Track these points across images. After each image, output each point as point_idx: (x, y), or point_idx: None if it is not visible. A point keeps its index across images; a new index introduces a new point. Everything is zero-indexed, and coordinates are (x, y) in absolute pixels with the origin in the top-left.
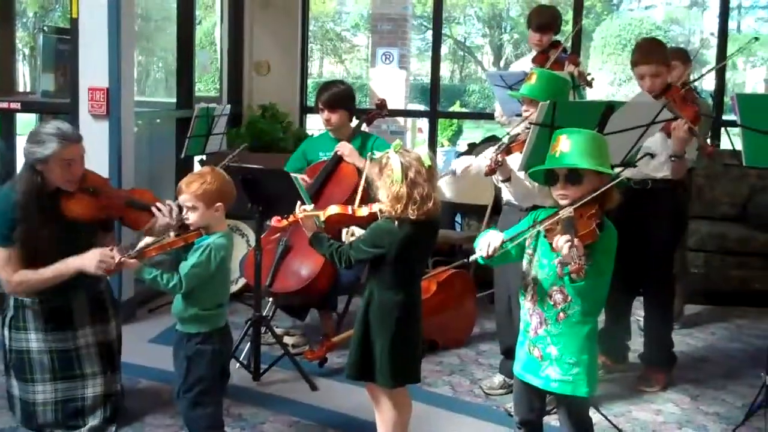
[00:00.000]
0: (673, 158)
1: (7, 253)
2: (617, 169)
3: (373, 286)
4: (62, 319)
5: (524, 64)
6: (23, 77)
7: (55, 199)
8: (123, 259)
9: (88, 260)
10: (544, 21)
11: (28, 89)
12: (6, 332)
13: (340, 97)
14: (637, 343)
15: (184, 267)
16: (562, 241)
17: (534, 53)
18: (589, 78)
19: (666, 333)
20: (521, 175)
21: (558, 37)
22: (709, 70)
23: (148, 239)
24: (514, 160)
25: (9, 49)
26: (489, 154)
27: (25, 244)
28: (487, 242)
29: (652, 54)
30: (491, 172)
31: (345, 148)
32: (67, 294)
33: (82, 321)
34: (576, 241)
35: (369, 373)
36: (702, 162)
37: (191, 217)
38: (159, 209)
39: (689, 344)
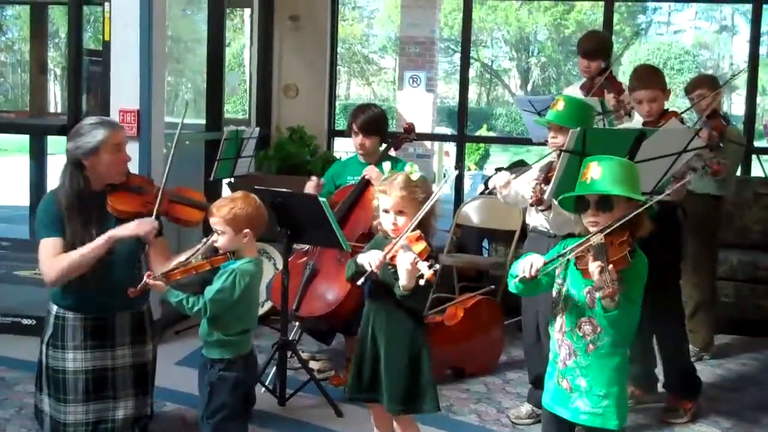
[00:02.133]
0: (672, 177)
1: (54, 243)
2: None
3: (415, 312)
4: (103, 336)
5: (572, 91)
6: (54, 97)
7: (100, 198)
8: (149, 281)
9: (125, 227)
10: (590, 47)
11: (59, 109)
12: (44, 349)
13: (375, 122)
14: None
15: (209, 292)
16: (593, 267)
17: (584, 79)
18: (628, 107)
19: (681, 356)
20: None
21: None
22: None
23: (180, 257)
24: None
25: (41, 69)
26: (527, 180)
27: (72, 245)
28: (529, 263)
29: (650, 79)
30: (538, 202)
31: (372, 172)
32: (111, 311)
33: (122, 340)
34: (609, 266)
35: (414, 402)
36: (731, 189)
37: (219, 241)
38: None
39: (719, 375)
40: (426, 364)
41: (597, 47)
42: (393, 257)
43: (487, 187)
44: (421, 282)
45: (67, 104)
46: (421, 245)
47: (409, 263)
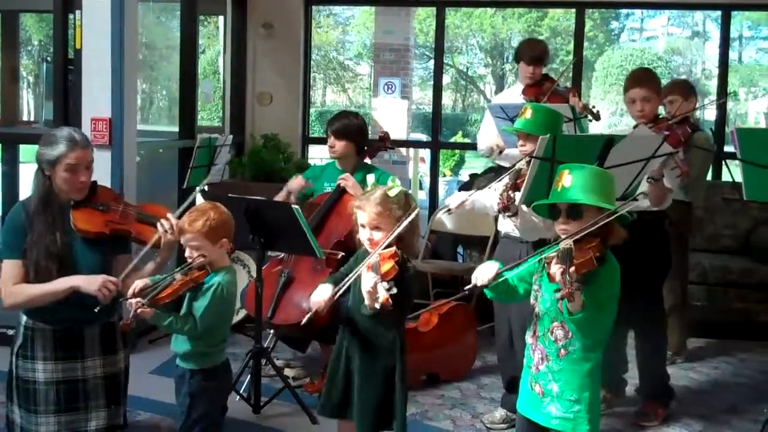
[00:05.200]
0: (648, 179)
1: (15, 266)
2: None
3: (394, 328)
4: (73, 347)
5: (513, 95)
6: (27, 105)
7: (65, 212)
8: (139, 309)
9: (89, 281)
10: (537, 54)
11: (32, 117)
12: (14, 359)
13: (349, 129)
14: (636, 377)
15: (198, 309)
16: (555, 268)
17: (519, 85)
18: (594, 110)
19: (659, 365)
20: (527, 209)
21: (556, 68)
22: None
23: (147, 280)
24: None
25: (13, 77)
26: (490, 190)
27: (32, 252)
28: (482, 272)
29: (644, 79)
30: (505, 208)
31: (348, 181)
32: (80, 323)
33: (92, 351)
34: (571, 269)
35: (385, 422)
36: (700, 194)
37: (196, 256)
38: (162, 225)
39: (692, 378)
40: (400, 382)
41: (542, 54)
42: (384, 276)
43: (447, 207)
44: (376, 305)
45: (52, 113)
46: (388, 265)
47: (369, 285)
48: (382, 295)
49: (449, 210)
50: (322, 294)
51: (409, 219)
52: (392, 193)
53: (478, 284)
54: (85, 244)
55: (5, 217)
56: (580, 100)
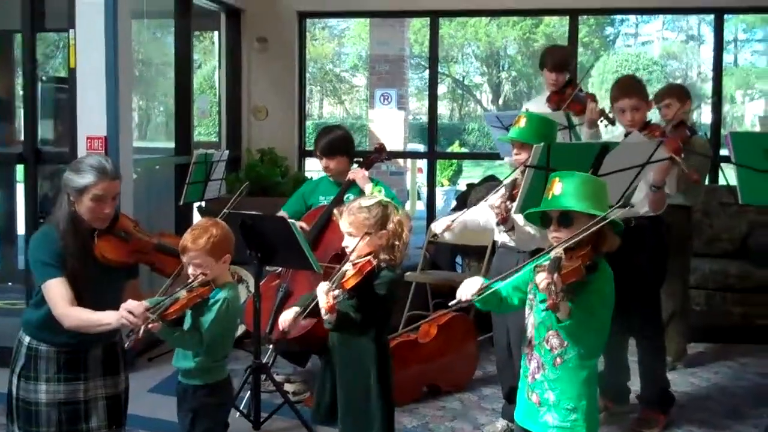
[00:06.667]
0: (652, 188)
1: (61, 284)
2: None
3: (369, 335)
4: (76, 369)
5: (539, 104)
6: (23, 124)
7: (90, 237)
8: (149, 324)
9: (117, 318)
10: (559, 61)
11: None
12: (15, 380)
13: (337, 144)
14: (638, 384)
15: (204, 324)
16: (539, 278)
17: (546, 93)
18: (611, 116)
19: (659, 371)
20: (521, 220)
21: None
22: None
23: (145, 303)
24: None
25: (9, 96)
26: (485, 204)
27: (70, 275)
28: (465, 288)
29: (632, 88)
30: (504, 221)
31: (358, 173)
32: (85, 344)
33: (94, 372)
34: (555, 277)
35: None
36: (699, 198)
37: (198, 274)
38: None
39: (692, 383)
40: (377, 392)
41: (566, 60)
42: (343, 283)
43: (432, 233)
44: (322, 313)
45: (51, 132)
46: (351, 273)
47: (321, 291)
48: (329, 301)
49: (435, 235)
50: (288, 314)
51: (377, 231)
52: (365, 203)
53: (463, 299)
54: (106, 271)
55: (32, 243)
56: (596, 105)
